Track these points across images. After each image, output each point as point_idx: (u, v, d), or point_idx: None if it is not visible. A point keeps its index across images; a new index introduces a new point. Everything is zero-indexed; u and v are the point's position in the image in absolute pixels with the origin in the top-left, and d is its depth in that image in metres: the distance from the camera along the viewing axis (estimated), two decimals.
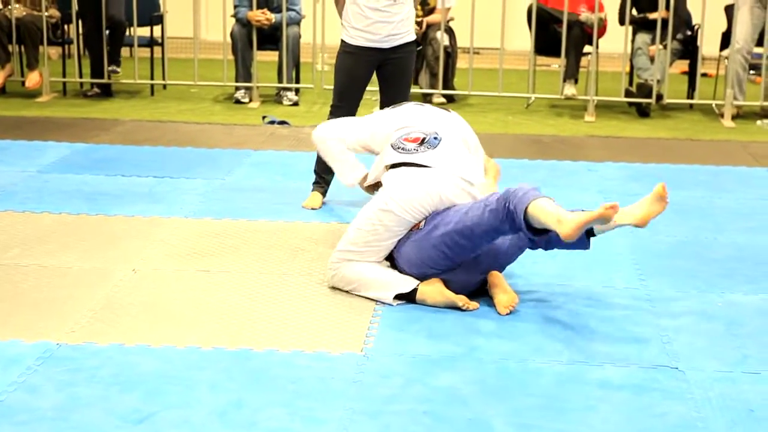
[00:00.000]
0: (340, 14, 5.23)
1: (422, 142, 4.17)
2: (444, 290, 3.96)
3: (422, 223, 4.05)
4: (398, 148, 4.20)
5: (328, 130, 4.61)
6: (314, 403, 3.16)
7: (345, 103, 5.20)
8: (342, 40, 5.20)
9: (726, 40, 8.45)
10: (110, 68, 8.36)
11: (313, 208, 5.24)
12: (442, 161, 4.10)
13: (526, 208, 3.69)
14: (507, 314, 3.89)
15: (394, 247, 4.11)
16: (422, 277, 4.02)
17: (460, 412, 3.13)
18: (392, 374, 3.38)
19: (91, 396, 3.18)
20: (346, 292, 4.08)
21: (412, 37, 5.21)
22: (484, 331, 3.75)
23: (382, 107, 5.21)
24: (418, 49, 6.60)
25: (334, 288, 4.13)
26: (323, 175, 5.33)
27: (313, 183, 5.38)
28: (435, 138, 4.18)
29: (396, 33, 5.11)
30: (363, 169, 4.53)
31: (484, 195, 4.15)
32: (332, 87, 5.31)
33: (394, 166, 4.18)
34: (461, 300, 3.93)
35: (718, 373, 3.44)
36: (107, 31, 8.30)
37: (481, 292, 4.06)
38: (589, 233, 3.90)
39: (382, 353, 3.54)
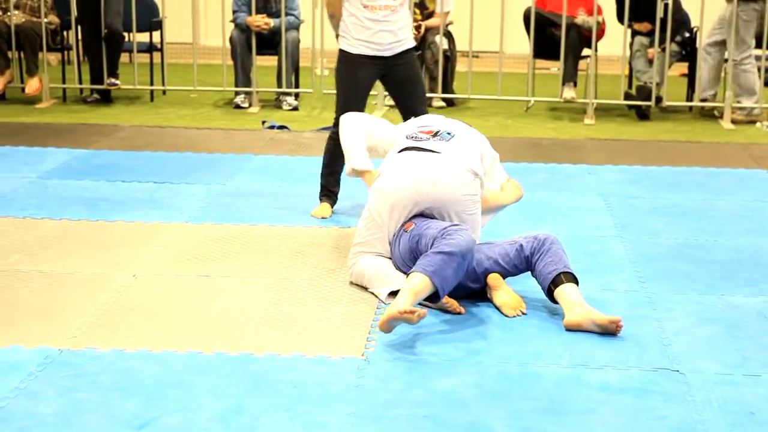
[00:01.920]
0: (336, 27, 5.22)
1: (435, 134, 4.34)
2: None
3: (413, 224, 4.10)
4: (411, 137, 4.36)
5: (360, 120, 4.63)
6: (315, 408, 3.16)
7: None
8: (342, 50, 5.16)
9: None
10: (109, 81, 8.36)
11: (323, 217, 5.22)
12: (450, 151, 4.22)
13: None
14: (514, 316, 3.91)
15: (393, 244, 4.17)
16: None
17: (461, 416, 3.14)
18: (393, 378, 3.38)
19: (93, 401, 3.18)
20: (351, 292, 4.11)
21: (412, 43, 5.22)
22: (484, 335, 3.75)
23: (404, 118, 5.18)
24: (417, 53, 6.55)
25: (334, 292, 4.14)
26: (330, 188, 5.32)
27: (322, 195, 5.33)
28: (449, 133, 4.35)
29: (398, 40, 5.11)
30: (371, 164, 4.48)
31: (492, 201, 4.35)
32: (334, 95, 5.29)
33: (402, 151, 4.32)
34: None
35: (718, 376, 3.44)
36: (105, 43, 8.30)
37: (481, 296, 4.07)
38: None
39: (383, 357, 3.54)
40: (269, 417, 3.11)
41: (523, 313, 3.94)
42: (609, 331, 3.74)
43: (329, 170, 5.29)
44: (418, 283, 3.73)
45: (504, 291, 4.00)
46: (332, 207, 5.31)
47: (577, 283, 3.93)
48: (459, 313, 3.93)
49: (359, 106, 5.16)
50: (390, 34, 5.08)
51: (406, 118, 5.21)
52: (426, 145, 4.28)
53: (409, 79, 5.20)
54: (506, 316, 3.92)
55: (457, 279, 3.84)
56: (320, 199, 5.31)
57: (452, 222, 4.09)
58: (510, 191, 4.54)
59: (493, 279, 4.03)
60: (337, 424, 3.07)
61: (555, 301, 3.93)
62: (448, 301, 3.92)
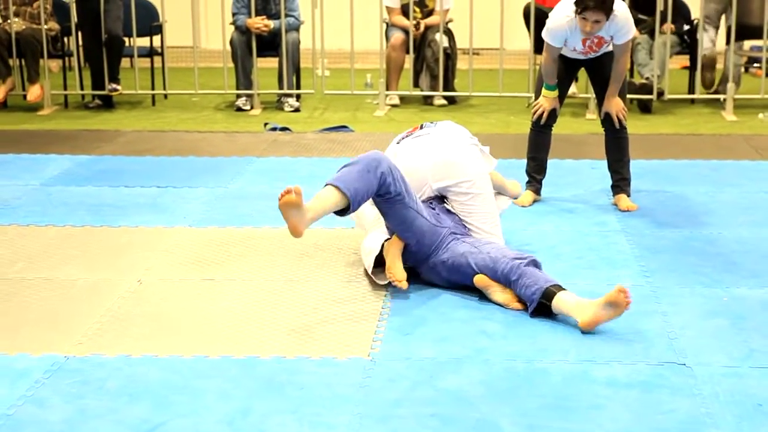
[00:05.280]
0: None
1: (421, 127, 4.58)
2: (393, 258, 4.12)
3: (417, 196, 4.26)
4: (402, 137, 4.57)
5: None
6: (322, 409, 3.17)
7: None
8: None
9: (727, 34, 8.45)
10: (110, 86, 8.37)
11: (523, 206, 5.37)
12: (440, 130, 4.49)
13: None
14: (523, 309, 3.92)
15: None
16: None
17: (468, 414, 3.14)
18: (399, 378, 3.39)
19: (100, 407, 3.18)
20: (355, 293, 4.13)
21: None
22: (490, 333, 3.76)
23: (597, 99, 5.55)
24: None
25: (339, 293, 4.14)
26: (534, 174, 5.52)
27: (527, 183, 5.52)
28: (431, 123, 4.60)
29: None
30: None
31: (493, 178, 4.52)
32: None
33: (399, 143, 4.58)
34: (393, 276, 4.07)
35: (725, 369, 3.44)
36: (105, 48, 8.31)
37: (483, 294, 4.07)
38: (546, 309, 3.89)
39: (389, 357, 3.55)
40: (276, 419, 3.11)
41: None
42: (621, 304, 3.67)
43: (530, 156, 5.54)
44: (322, 192, 3.96)
45: (499, 288, 4.00)
46: (536, 194, 5.50)
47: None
48: (402, 288, 4.05)
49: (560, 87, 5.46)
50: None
51: (597, 98, 5.55)
52: (417, 133, 4.51)
53: (604, 64, 5.36)
54: (519, 310, 3.91)
55: (364, 182, 3.96)
56: (525, 187, 5.49)
57: (465, 195, 4.29)
58: (509, 184, 4.72)
59: (481, 281, 4.04)
60: (344, 425, 3.07)
61: (548, 313, 3.85)
62: (391, 274, 4.06)
